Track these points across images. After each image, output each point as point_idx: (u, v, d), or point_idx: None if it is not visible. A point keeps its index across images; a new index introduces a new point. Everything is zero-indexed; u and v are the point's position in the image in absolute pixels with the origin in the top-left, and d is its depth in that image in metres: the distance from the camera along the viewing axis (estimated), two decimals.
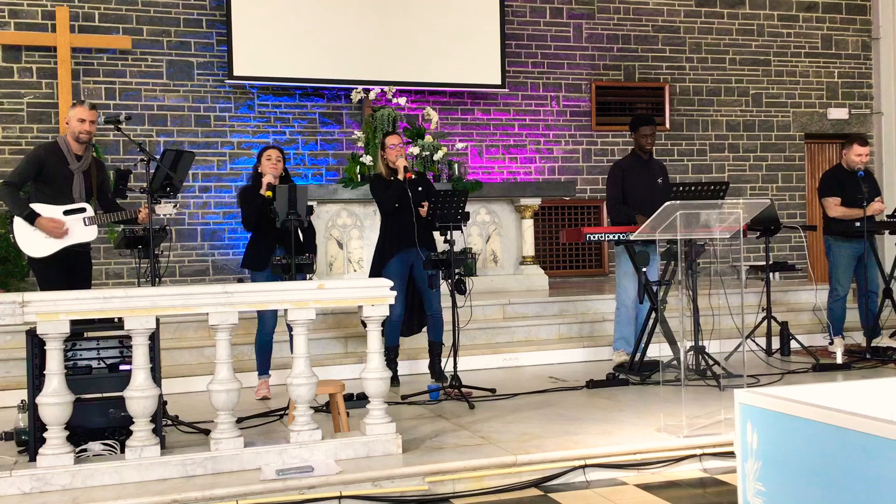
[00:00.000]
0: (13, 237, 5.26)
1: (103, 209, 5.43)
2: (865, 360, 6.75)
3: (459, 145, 9.65)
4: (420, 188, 6.15)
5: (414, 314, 6.30)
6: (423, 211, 6.06)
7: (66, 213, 5.21)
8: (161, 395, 4.15)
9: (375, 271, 6.18)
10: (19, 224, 5.19)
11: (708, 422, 4.69)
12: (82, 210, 5.26)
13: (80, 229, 5.25)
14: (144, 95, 8.86)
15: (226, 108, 9.14)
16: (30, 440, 4.11)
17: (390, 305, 4.36)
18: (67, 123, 5.32)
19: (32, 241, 5.18)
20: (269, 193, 5.64)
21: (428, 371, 6.33)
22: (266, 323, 5.86)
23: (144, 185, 5.15)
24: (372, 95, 9.01)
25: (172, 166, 5.08)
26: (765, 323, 7.17)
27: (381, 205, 6.22)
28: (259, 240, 5.89)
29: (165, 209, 5.32)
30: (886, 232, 7.41)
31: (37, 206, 5.20)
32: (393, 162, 6.10)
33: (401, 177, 6.04)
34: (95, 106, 5.39)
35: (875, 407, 2.93)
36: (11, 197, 5.25)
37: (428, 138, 8.95)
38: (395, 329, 6.15)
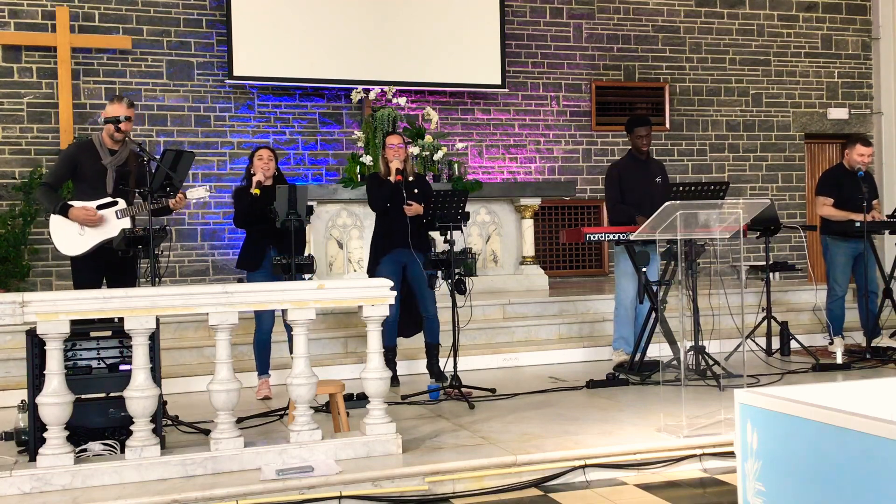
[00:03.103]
0: (50, 236, 5.29)
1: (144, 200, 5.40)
2: (865, 360, 6.74)
3: (459, 145, 9.65)
4: (416, 190, 6.15)
5: (413, 315, 6.29)
6: (409, 210, 6.00)
7: (99, 207, 5.25)
8: (161, 395, 4.15)
9: (369, 271, 6.22)
10: (55, 222, 5.23)
11: (708, 422, 4.69)
12: (114, 203, 5.28)
13: (113, 222, 5.26)
14: (144, 95, 8.86)
15: (226, 108, 9.14)
16: (30, 440, 4.11)
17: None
18: (102, 117, 5.35)
19: (68, 240, 5.21)
20: (258, 192, 5.72)
21: (427, 371, 6.33)
22: (263, 323, 5.85)
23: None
24: (372, 95, 9.01)
25: (172, 166, 5.07)
26: (765, 323, 7.16)
27: (371, 203, 6.23)
28: (251, 240, 5.91)
29: (198, 192, 5.41)
30: (886, 232, 7.41)
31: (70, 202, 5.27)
32: (389, 161, 6.12)
33: (391, 178, 6.05)
34: (134, 103, 5.44)
35: (875, 407, 2.93)
36: (45, 195, 5.36)
37: (428, 138, 8.94)
38: (392, 330, 6.12)
